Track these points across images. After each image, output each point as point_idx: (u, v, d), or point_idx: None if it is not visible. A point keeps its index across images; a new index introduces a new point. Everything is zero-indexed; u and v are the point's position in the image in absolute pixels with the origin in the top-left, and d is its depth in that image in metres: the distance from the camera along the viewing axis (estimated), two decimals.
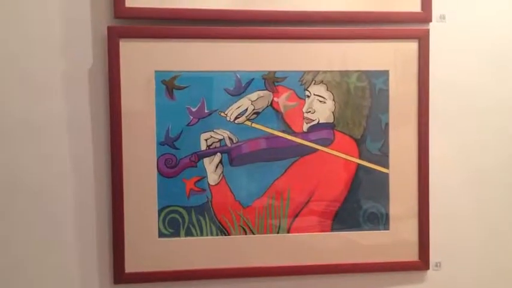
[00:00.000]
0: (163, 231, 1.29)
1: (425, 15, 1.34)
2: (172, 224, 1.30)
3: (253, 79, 1.29)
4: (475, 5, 1.37)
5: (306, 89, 1.32)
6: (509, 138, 1.40)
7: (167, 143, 1.28)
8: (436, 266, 1.39)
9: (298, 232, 1.34)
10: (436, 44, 1.35)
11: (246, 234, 1.32)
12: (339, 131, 1.34)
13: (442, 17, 1.36)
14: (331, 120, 1.33)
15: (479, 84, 1.38)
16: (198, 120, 1.28)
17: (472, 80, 1.38)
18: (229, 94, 1.29)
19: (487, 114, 1.39)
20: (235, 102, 1.29)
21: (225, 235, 1.32)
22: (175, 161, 1.28)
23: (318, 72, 1.32)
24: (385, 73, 1.34)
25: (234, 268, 1.32)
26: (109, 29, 1.24)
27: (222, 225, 1.31)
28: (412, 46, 1.34)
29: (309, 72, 1.32)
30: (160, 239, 1.29)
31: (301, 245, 1.34)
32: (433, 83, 1.35)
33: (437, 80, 1.36)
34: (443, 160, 1.38)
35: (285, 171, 1.32)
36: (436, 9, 1.35)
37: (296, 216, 1.34)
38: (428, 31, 1.34)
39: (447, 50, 1.36)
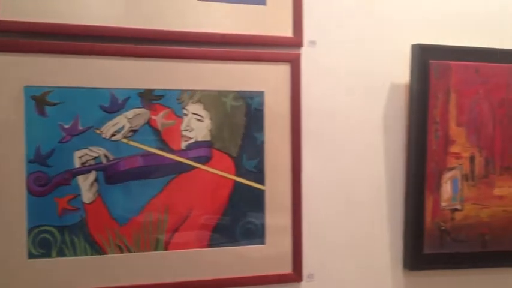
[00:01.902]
0: (33, 252, 1.24)
1: (296, 40, 1.42)
2: (43, 244, 1.25)
3: (129, 97, 1.30)
4: (343, 32, 1.47)
5: (184, 108, 1.34)
6: (378, 157, 1.51)
7: (37, 160, 1.23)
8: (309, 277, 1.46)
9: (176, 249, 1.35)
10: (308, 68, 1.43)
11: (122, 252, 1.31)
12: (216, 149, 1.37)
13: (313, 43, 1.45)
14: (209, 139, 1.37)
15: (348, 106, 1.48)
16: (71, 137, 1.26)
17: (341, 102, 1.47)
18: (105, 111, 1.28)
19: (356, 134, 1.49)
20: (111, 119, 1.29)
21: (101, 254, 1.29)
22: (47, 179, 1.24)
23: (195, 91, 1.35)
24: (261, 94, 1.40)
25: (111, 287, 1.31)
26: None
27: (97, 244, 1.29)
28: (285, 69, 1.42)
29: (186, 91, 1.34)
30: (30, 260, 1.24)
31: (179, 261, 1.35)
32: (305, 105, 1.43)
33: (310, 101, 1.44)
34: (315, 177, 1.46)
35: (163, 188, 1.33)
36: (307, 35, 1.43)
37: (174, 233, 1.34)
38: (299, 55, 1.42)
39: (318, 73, 1.45)
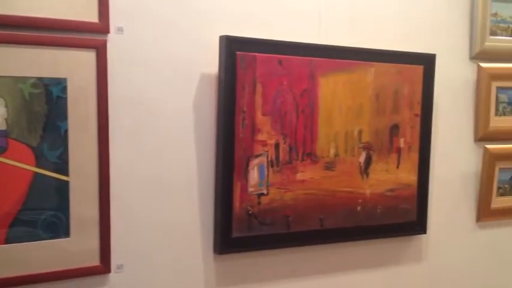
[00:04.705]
0: None
1: (102, 27, 1.38)
2: None
3: None
4: (152, 20, 1.46)
5: None
6: (188, 145, 1.52)
7: None
8: (118, 268, 1.44)
9: None
10: (115, 55, 1.40)
11: None
12: (12, 138, 1.28)
13: (120, 30, 1.42)
14: (4, 128, 1.27)
15: (157, 95, 1.47)
16: None
17: (150, 91, 1.46)
18: None
19: (166, 123, 1.49)
20: None
21: None
22: None
23: None
24: (63, 81, 1.34)
25: None
26: None
27: None
28: (90, 56, 1.37)
29: None
30: None
31: None
32: (113, 93, 1.40)
33: (118, 90, 1.41)
34: (125, 166, 1.44)
35: None
36: (114, 21, 1.40)
37: None
38: (105, 42, 1.38)
39: (126, 61, 1.43)
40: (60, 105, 1.34)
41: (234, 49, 1.51)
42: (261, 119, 1.56)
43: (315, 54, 1.62)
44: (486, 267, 2.08)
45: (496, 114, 2.01)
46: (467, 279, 2.05)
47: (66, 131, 1.35)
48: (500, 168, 2.03)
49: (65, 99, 1.34)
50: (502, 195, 2.06)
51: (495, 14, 1.98)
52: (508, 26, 2.01)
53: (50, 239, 1.34)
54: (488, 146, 2.00)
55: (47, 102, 1.32)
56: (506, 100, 2.02)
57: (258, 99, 1.56)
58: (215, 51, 1.51)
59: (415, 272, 1.94)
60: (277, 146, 1.60)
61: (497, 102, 2.01)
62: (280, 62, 1.57)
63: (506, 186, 2.06)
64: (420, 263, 1.95)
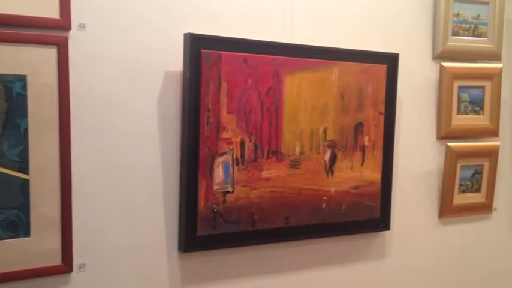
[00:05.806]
0: None
1: (64, 23, 1.36)
2: None
3: None
4: (116, 17, 1.44)
5: None
6: (153, 143, 1.52)
7: None
8: (80, 267, 1.43)
9: None
10: (77, 52, 1.39)
11: None
12: None
13: (82, 26, 1.40)
14: None
15: (121, 93, 1.46)
16: None
17: (114, 89, 1.45)
18: None
19: (129, 121, 1.48)
20: None
21: None
22: None
23: None
24: (23, 77, 1.32)
25: None
26: None
27: None
28: (51, 52, 1.35)
29: None
30: None
31: None
32: (75, 91, 1.38)
33: (80, 87, 1.40)
34: (87, 164, 1.42)
35: None
36: (76, 18, 1.38)
37: None
38: (67, 38, 1.36)
39: (88, 59, 1.41)
40: (20, 103, 1.31)
41: (199, 47, 1.50)
42: (226, 117, 1.57)
43: (280, 53, 1.63)
44: (448, 263, 2.13)
45: (458, 113, 2.05)
46: (430, 275, 2.09)
47: (26, 128, 1.32)
48: (462, 166, 2.08)
49: (25, 96, 1.32)
50: (463, 192, 2.10)
51: (457, 15, 2.02)
52: (470, 26, 2.06)
53: (10, 238, 1.32)
54: (451, 144, 2.04)
55: (7, 100, 1.30)
56: (468, 99, 2.07)
57: (223, 97, 1.56)
58: (180, 49, 1.50)
59: (379, 268, 1.97)
60: (242, 144, 1.60)
61: (459, 101, 2.05)
62: (245, 60, 1.57)
63: (467, 183, 2.11)
64: (384, 259, 1.98)
